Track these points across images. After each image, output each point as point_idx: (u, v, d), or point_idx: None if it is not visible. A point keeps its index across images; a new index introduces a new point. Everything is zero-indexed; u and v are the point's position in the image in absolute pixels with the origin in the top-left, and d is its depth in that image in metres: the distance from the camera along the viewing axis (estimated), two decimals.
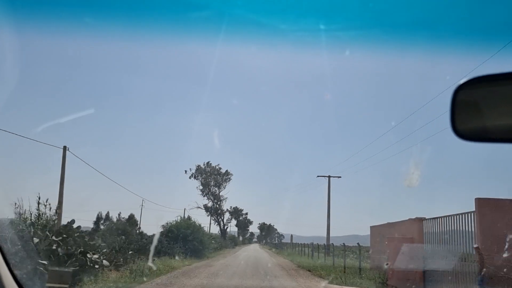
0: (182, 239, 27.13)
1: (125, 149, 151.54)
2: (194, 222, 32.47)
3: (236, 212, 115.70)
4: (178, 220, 29.57)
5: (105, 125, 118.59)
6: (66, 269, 11.18)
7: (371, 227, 19.90)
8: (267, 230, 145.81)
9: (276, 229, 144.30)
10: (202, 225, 35.32)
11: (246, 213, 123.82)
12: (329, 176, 41.89)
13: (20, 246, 8.94)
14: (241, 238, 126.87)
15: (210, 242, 38.77)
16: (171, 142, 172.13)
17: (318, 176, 41.34)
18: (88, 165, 23.73)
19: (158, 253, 23.55)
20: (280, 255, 43.67)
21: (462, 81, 1.58)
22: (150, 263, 16.53)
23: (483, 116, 1.60)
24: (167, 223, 29.45)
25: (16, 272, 1.78)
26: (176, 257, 24.45)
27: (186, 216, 36.17)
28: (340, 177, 40.56)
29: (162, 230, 30.37)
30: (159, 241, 26.09)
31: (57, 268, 11.09)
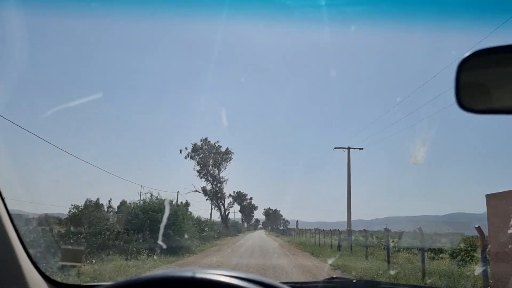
0: (149, 227, 19.90)
1: (124, 134, 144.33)
2: (171, 202, 25.51)
3: (239, 197, 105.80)
4: (148, 200, 22.71)
5: (106, 112, 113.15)
6: (79, 248, 12.28)
7: (489, 196, 12.50)
8: (272, 215, 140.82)
9: (281, 215, 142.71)
10: (188, 207, 27.04)
11: (251, 198, 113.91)
12: (348, 148, 35.75)
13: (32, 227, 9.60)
14: (245, 225, 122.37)
15: (200, 230, 31.13)
16: (172, 124, 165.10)
17: (335, 148, 36.23)
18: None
19: (104, 249, 16.70)
20: (294, 246, 36.62)
21: (467, 54, 1.60)
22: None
23: (488, 88, 1.64)
24: (130, 203, 19.15)
25: (30, 251, 1.81)
26: (140, 255, 17.37)
27: (183, 202, 29.12)
28: (362, 148, 35.88)
29: (122, 214, 20.02)
30: (111, 231, 15.74)
31: (69, 247, 11.94)
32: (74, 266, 10.41)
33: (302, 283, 2.50)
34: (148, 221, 20.40)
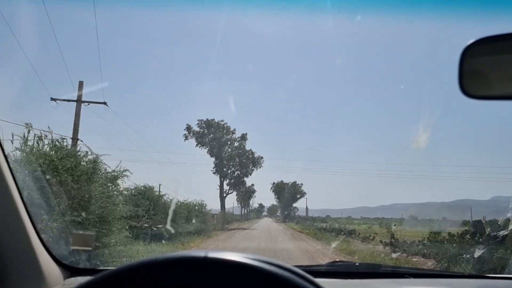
0: None
1: None
2: None
3: (210, 129, 43.24)
4: None
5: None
6: (90, 232, 11.58)
7: None
8: (288, 193, 78.09)
9: (305, 192, 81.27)
10: None
11: (242, 136, 47.18)
12: None
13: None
14: (242, 211, 68.53)
15: None
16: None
17: None
18: None
19: None
20: None
21: (470, 41, 1.61)
22: None
23: (491, 75, 1.66)
24: None
25: (42, 236, 1.82)
26: None
27: None
28: None
29: None
30: None
31: (80, 232, 9.88)
32: (85, 251, 10.37)
33: (306, 266, 2.51)
34: None
